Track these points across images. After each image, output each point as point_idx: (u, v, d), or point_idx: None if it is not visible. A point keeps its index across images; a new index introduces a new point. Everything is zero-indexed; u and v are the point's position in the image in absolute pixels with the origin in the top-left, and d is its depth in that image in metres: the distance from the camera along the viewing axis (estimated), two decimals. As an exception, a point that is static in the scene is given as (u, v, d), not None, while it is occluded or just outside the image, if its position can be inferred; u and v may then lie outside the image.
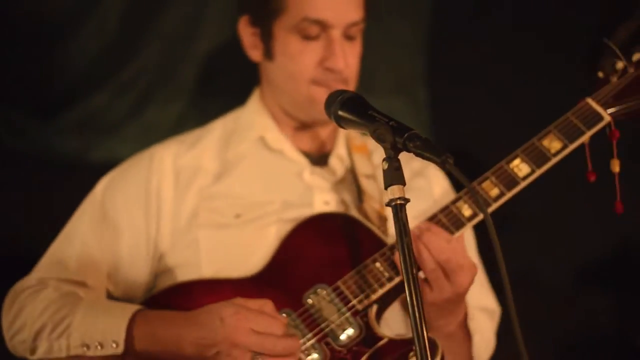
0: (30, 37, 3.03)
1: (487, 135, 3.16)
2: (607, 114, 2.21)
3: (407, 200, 1.70)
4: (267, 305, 2.03)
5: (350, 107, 1.84)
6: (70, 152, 3.12)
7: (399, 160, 1.72)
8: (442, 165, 1.64)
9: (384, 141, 1.73)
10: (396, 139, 1.71)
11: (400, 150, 1.72)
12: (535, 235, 3.64)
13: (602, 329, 3.94)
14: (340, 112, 1.84)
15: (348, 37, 2.40)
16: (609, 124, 2.21)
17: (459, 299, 2.11)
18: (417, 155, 1.68)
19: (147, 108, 3.17)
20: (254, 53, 2.48)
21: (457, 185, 2.50)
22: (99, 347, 2.05)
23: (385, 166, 1.72)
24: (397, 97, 3.26)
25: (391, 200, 1.70)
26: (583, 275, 4.04)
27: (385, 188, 1.72)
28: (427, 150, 1.67)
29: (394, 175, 1.71)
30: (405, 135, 1.70)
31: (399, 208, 1.69)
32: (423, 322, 1.62)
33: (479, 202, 1.69)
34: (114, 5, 3.10)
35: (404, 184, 1.71)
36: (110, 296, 2.33)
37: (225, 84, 3.11)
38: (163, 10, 3.14)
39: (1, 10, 2.99)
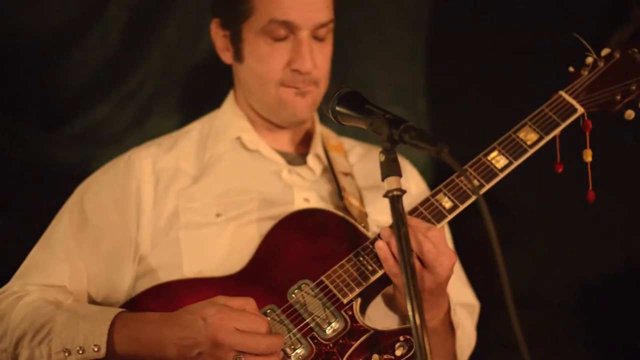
0: (33, 50, 3.08)
1: (486, 143, 3.18)
2: (580, 106, 2.26)
3: (404, 192, 1.75)
4: (250, 303, 2.01)
5: (347, 102, 1.91)
6: (73, 163, 3.15)
7: (395, 152, 1.78)
8: (437, 155, 1.68)
9: (380, 133, 1.79)
10: (392, 131, 1.77)
11: (397, 142, 1.77)
12: (536, 252, 3.65)
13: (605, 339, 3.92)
14: (337, 108, 1.92)
15: (317, 38, 2.39)
16: (582, 116, 2.26)
17: (439, 289, 2.10)
18: (413, 145, 1.74)
19: (148, 119, 3.21)
20: (225, 55, 2.50)
21: (432, 186, 2.50)
22: (80, 352, 2.02)
23: (382, 158, 1.79)
24: (397, 107, 3.28)
25: (388, 192, 1.76)
26: (585, 290, 4.02)
27: (383, 179, 1.77)
28: (423, 141, 1.72)
29: (391, 167, 1.78)
30: (401, 127, 1.76)
31: (396, 199, 1.75)
32: (420, 308, 1.67)
33: (473, 186, 1.73)
34: (116, 18, 3.15)
35: (400, 175, 1.76)
36: (92, 301, 2.30)
37: (226, 93, 3.15)
38: (164, 22, 3.18)
39: (5, 23, 3.04)
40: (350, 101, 1.93)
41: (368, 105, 1.89)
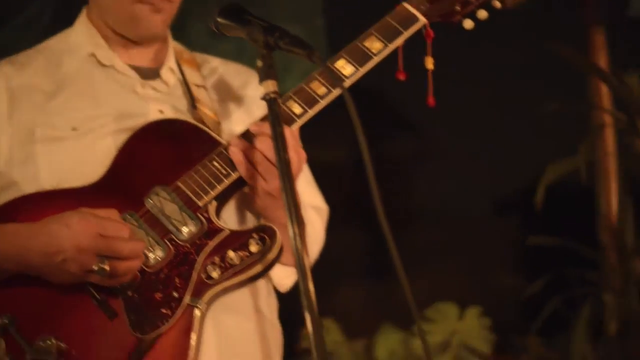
0: None
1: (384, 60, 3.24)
2: (422, 16, 2.36)
3: (279, 95, 1.93)
4: (113, 213, 2.11)
5: (228, 14, 2.09)
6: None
7: (272, 58, 1.95)
8: (309, 58, 1.89)
9: (257, 41, 1.98)
10: (268, 38, 1.96)
11: (273, 49, 1.95)
12: (450, 168, 3.73)
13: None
14: (219, 19, 2.10)
15: None
16: (424, 26, 2.37)
17: None
18: (288, 51, 1.93)
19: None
20: None
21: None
22: None
23: (260, 64, 1.96)
24: (294, 26, 3.32)
25: (266, 95, 1.94)
26: (496, 204, 4.13)
27: (260, 83, 1.95)
28: (296, 46, 1.93)
29: (267, 71, 1.95)
30: (276, 34, 1.95)
31: (273, 101, 1.93)
32: (297, 206, 1.87)
33: (335, 80, 2.08)
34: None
35: (276, 79, 1.93)
36: None
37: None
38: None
39: None
40: (230, 13, 2.09)
41: (247, 16, 2.05)
